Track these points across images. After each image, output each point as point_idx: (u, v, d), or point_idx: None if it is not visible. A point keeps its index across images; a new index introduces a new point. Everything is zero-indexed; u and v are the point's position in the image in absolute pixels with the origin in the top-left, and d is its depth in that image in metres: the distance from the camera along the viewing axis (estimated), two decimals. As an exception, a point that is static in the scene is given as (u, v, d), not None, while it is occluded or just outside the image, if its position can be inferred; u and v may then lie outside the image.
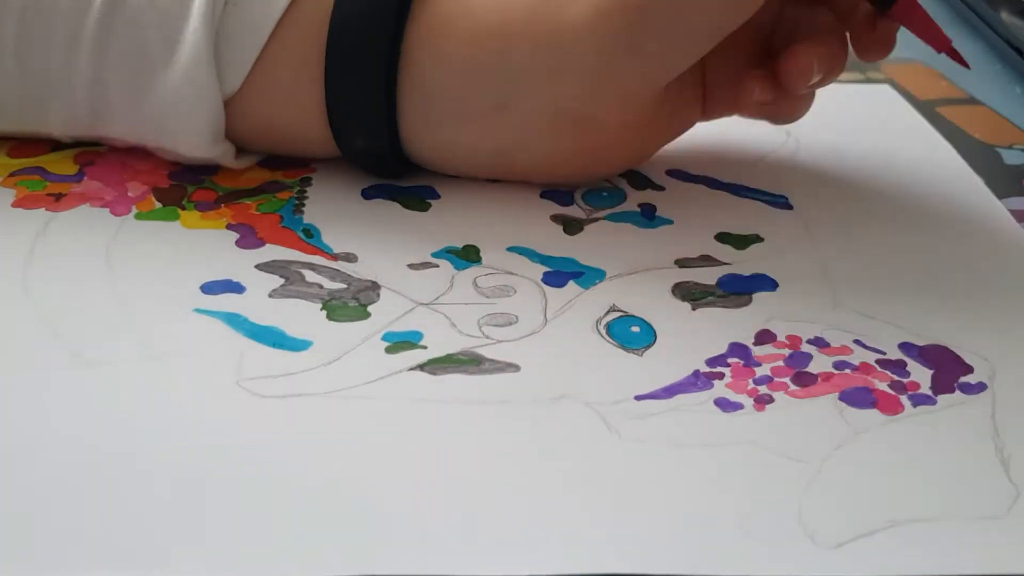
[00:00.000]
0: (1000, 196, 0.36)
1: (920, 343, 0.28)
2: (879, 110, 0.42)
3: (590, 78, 0.30)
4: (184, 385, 0.25)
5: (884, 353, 0.27)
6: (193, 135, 0.31)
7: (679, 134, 0.34)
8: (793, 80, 0.31)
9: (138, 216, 0.31)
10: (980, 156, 0.39)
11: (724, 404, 0.25)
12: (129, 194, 0.32)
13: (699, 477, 0.23)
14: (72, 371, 0.25)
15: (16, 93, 0.32)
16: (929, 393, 0.26)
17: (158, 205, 0.32)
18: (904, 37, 0.37)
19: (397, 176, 0.33)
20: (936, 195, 0.36)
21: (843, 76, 0.44)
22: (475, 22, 0.30)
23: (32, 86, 0.31)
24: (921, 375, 0.27)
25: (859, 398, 0.26)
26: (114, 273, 0.28)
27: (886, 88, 0.44)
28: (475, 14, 0.30)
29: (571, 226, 0.32)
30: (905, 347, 0.28)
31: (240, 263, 0.29)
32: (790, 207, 0.34)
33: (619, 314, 0.28)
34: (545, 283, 0.29)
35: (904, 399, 0.26)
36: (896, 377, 0.26)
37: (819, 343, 0.28)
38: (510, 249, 0.31)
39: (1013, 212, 0.35)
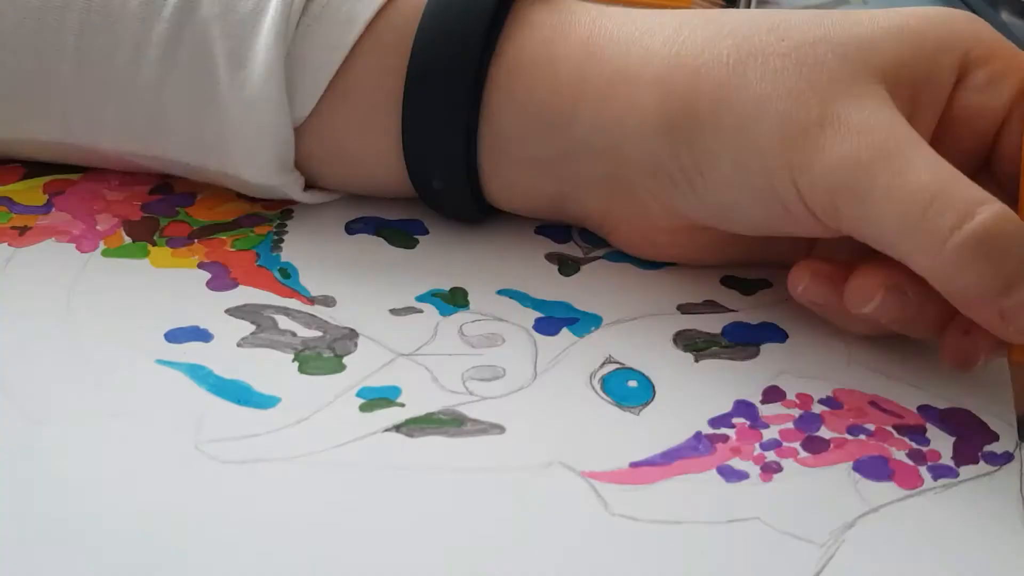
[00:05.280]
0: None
1: (941, 406, 0.26)
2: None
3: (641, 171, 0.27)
4: (140, 447, 0.23)
5: (902, 417, 0.25)
6: (258, 160, 0.29)
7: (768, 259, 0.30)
8: (850, 299, 0.25)
9: (105, 253, 0.29)
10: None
11: (727, 472, 0.23)
12: (98, 227, 0.31)
13: (698, 560, 0.21)
14: (18, 430, 0.23)
15: (71, 100, 0.29)
16: (951, 464, 0.24)
17: (127, 240, 0.30)
18: None
19: (476, 220, 0.31)
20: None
21: None
22: (555, 73, 0.27)
23: (89, 93, 0.29)
24: (942, 443, 0.24)
25: (875, 469, 0.24)
26: (74, 319, 0.26)
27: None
28: (557, 65, 0.27)
29: (567, 266, 0.30)
30: (924, 410, 0.25)
31: (210, 307, 0.27)
32: (802, 247, 0.32)
33: (615, 366, 0.26)
34: (537, 331, 0.27)
35: (923, 470, 0.24)
36: (915, 445, 0.24)
37: (831, 404, 0.25)
38: (501, 292, 0.29)
39: None
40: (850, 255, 0.26)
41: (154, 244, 0.30)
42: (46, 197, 0.32)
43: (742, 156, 0.25)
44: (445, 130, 0.28)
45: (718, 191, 0.26)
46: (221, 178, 0.30)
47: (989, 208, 0.22)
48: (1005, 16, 0.45)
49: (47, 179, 0.33)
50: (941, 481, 0.23)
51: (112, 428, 0.23)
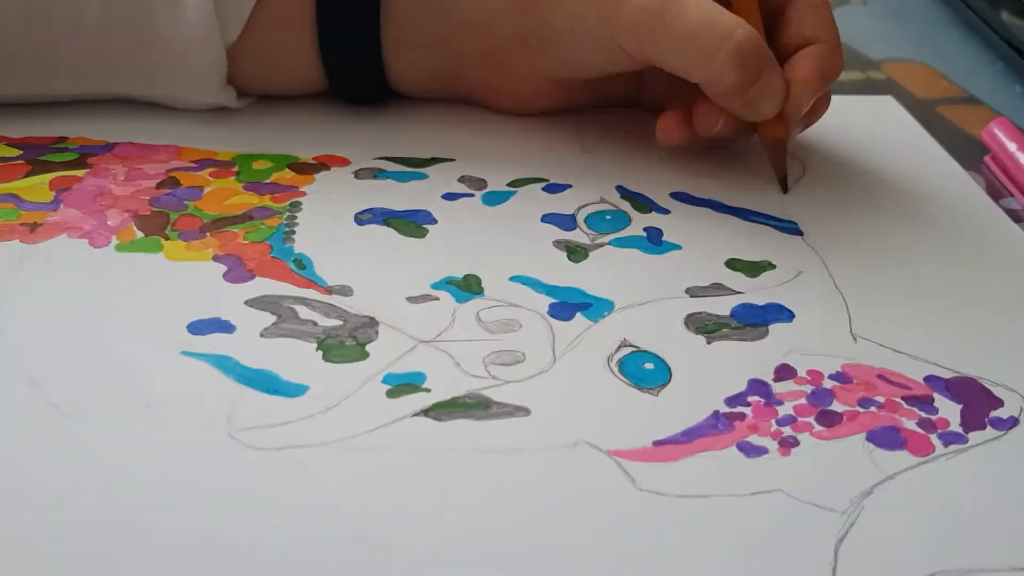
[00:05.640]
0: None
1: (946, 376, 0.27)
2: (882, 124, 0.41)
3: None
4: (173, 438, 0.23)
5: (909, 388, 0.26)
6: (201, 84, 0.35)
7: (609, 101, 0.39)
8: (700, 127, 0.34)
9: (119, 248, 0.29)
10: (979, 155, 0.38)
11: (747, 449, 0.24)
12: (108, 223, 0.31)
13: (725, 531, 0.22)
14: (51, 423, 0.23)
15: (23, 51, 0.34)
16: (959, 431, 0.25)
17: (139, 235, 0.30)
18: (905, 36, 0.36)
19: (380, 101, 0.38)
20: (947, 214, 0.35)
21: (843, 76, 0.44)
22: None
23: (40, 43, 0.34)
24: (949, 411, 0.25)
25: (888, 439, 0.24)
26: (96, 313, 0.27)
27: (889, 100, 0.43)
28: None
29: (575, 253, 0.31)
30: (931, 380, 0.26)
31: (229, 299, 0.28)
32: (800, 232, 0.33)
33: (631, 349, 0.27)
34: (552, 316, 0.28)
35: (934, 438, 0.25)
36: (924, 414, 0.25)
37: (841, 378, 0.26)
38: (513, 279, 0.29)
39: (1009, 212, 0.34)
40: (666, 90, 0.36)
41: (167, 238, 0.30)
42: (53, 194, 0.32)
43: (574, 19, 0.33)
44: (353, 22, 0.35)
45: (562, 47, 0.34)
46: (168, 101, 0.36)
47: (742, 30, 0.31)
48: (1005, 16, 0.46)
49: (52, 176, 0.33)
50: (952, 447, 0.24)
51: (145, 419, 0.23)
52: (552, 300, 0.29)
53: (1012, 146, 0.37)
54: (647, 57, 0.33)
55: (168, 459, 0.22)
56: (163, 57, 0.34)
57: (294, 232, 0.31)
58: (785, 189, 0.35)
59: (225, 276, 0.28)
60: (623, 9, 0.32)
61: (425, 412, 0.24)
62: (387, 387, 0.25)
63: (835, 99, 0.43)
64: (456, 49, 0.36)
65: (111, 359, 0.25)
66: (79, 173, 0.33)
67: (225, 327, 0.26)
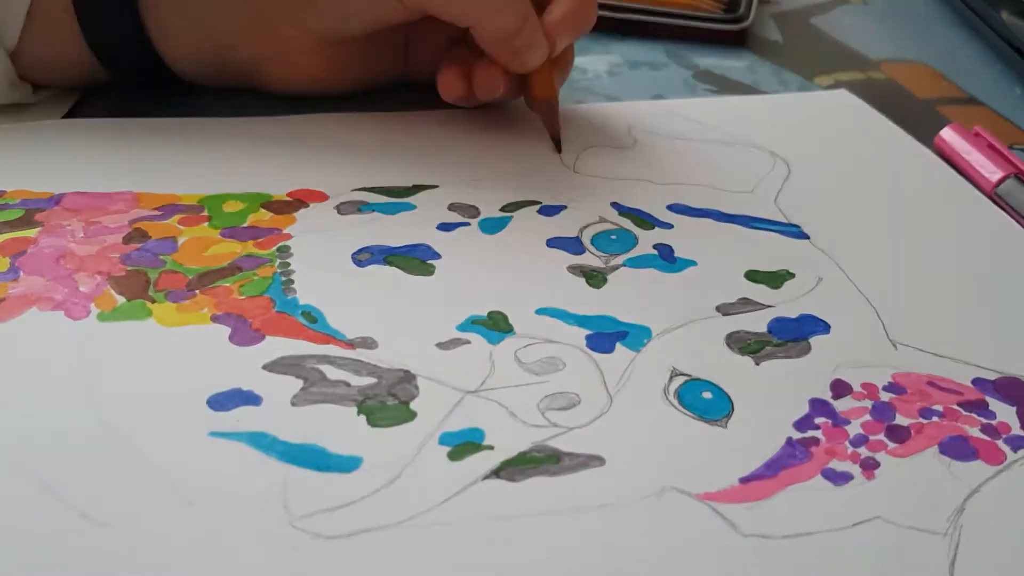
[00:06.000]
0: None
1: (991, 377, 0.26)
2: (847, 118, 0.41)
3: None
4: (226, 535, 0.20)
5: (962, 394, 0.26)
6: None
7: (379, 77, 0.39)
8: (481, 90, 0.35)
9: (101, 317, 0.26)
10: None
11: (832, 476, 0.23)
12: (81, 289, 0.27)
13: (841, 568, 0.21)
14: (84, 535, 0.20)
15: None
16: (1022, 433, 0.25)
17: (120, 300, 0.27)
18: (905, 36, 0.36)
19: (167, 90, 0.37)
20: (930, 201, 0.35)
21: (841, 76, 0.44)
22: None
23: None
24: (1006, 413, 0.25)
25: (959, 449, 0.24)
26: (98, 397, 0.23)
27: (843, 93, 0.43)
28: None
29: (593, 278, 0.29)
30: (979, 383, 0.26)
31: (243, 364, 0.25)
32: (805, 236, 0.32)
33: (684, 378, 0.26)
34: (591, 349, 0.26)
35: (1001, 444, 0.24)
36: (984, 420, 0.25)
37: (895, 389, 0.26)
38: (540, 312, 0.28)
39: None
40: (433, 57, 0.36)
41: (152, 300, 0.27)
42: (8, 260, 0.28)
43: None
44: (109, 10, 0.35)
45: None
46: None
47: None
48: (1005, 16, 0.47)
49: (4, 239, 0.29)
50: (1021, 452, 0.24)
51: (190, 517, 0.21)
52: (586, 331, 0.27)
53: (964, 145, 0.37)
54: (419, 3, 0.33)
55: (229, 561, 0.20)
56: None
57: (292, 281, 0.28)
58: (559, 149, 0.36)
59: (231, 339, 0.26)
60: None
61: (496, 473, 0.22)
62: (446, 448, 0.23)
63: (794, 96, 0.43)
64: (226, 20, 0.35)
65: (130, 451, 0.22)
66: (30, 233, 0.30)
67: (250, 398, 0.24)
